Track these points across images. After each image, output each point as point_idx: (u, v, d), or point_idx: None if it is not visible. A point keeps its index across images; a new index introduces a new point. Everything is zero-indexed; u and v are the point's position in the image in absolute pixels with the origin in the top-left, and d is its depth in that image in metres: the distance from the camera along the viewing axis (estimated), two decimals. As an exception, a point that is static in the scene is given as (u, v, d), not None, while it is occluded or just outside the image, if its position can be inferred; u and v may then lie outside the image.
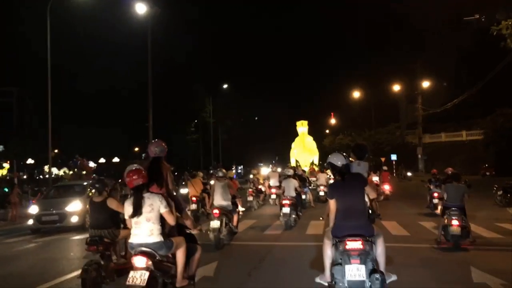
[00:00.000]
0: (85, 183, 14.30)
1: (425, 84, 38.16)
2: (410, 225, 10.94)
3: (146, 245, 4.20)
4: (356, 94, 49.65)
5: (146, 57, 23.99)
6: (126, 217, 4.34)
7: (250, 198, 16.04)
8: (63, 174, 56.96)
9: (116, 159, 63.37)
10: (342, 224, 4.35)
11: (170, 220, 4.36)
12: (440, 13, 39.27)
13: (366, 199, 4.80)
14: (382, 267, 4.35)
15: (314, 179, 21.34)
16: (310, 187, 17.86)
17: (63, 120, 57.66)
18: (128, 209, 4.28)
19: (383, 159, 40.29)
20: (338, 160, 4.55)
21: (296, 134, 44.06)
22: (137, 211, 4.19)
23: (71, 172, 46.06)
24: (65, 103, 55.19)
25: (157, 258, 4.21)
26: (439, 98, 38.65)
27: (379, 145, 44.08)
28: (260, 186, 18.50)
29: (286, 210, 10.63)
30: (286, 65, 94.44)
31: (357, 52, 75.71)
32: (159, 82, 35.63)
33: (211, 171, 25.37)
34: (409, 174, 35.50)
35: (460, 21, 31.48)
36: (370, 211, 5.37)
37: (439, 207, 10.24)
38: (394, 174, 39.40)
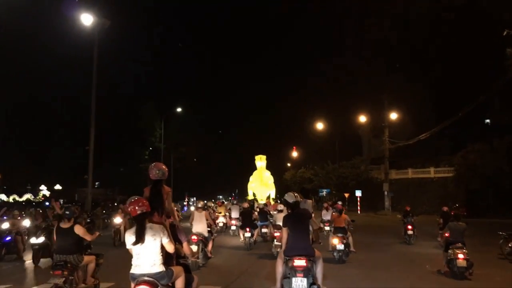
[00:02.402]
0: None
1: (393, 116, 35.48)
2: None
3: (149, 275, 4.22)
4: (320, 126, 47.02)
5: (90, 69, 22.37)
6: (128, 246, 4.29)
7: None
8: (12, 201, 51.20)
9: (57, 186, 57.38)
10: (292, 247, 5.65)
11: (170, 249, 4.41)
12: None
13: (310, 228, 6.38)
14: (320, 281, 5.68)
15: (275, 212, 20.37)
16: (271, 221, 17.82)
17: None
18: (130, 238, 4.26)
19: (346, 195, 37.31)
20: (290, 198, 5.98)
21: (255, 167, 44.81)
22: (139, 239, 4.18)
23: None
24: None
25: (159, 287, 4.24)
26: (405, 132, 36.24)
27: (343, 179, 40.85)
28: (221, 218, 19.83)
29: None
30: (247, 94, 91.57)
31: (320, 85, 73.98)
32: (103, 99, 31.11)
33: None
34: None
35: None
36: (312, 238, 7.24)
37: (439, 239, 12.59)
38: (359, 212, 36.26)
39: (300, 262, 5.45)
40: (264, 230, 15.60)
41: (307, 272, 5.45)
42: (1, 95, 48.36)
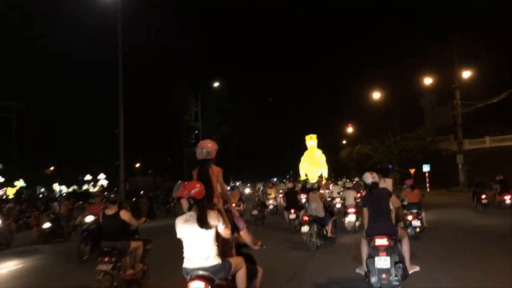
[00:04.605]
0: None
1: (465, 74, 29.96)
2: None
3: (203, 269, 3.80)
4: (376, 96, 42.13)
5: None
6: (180, 235, 3.89)
7: (254, 212, 15.85)
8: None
9: (101, 176, 57.48)
10: (372, 226, 5.68)
11: (226, 235, 3.97)
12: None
13: (391, 207, 6.07)
14: (407, 260, 5.64)
15: (327, 191, 20.02)
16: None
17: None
18: (181, 226, 3.85)
19: (412, 171, 32.61)
20: (367, 179, 6.04)
21: (306, 148, 44.41)
22: (204, 225, 3.77)
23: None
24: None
25: (216, 282, 3.83)
26: (477, 96, 30.79)
27: (407, 153, 35.96)
28: (271, 201, 19.23)
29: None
30: (297, 65, 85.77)
31: (375, 46, 67.78)
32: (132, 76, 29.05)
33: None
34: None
35: None
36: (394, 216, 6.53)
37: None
38: (428, 190, 31.57)
39: (381, 241, 5.47)
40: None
41: (391, 251, 5.42)
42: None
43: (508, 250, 8.66)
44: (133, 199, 21.99)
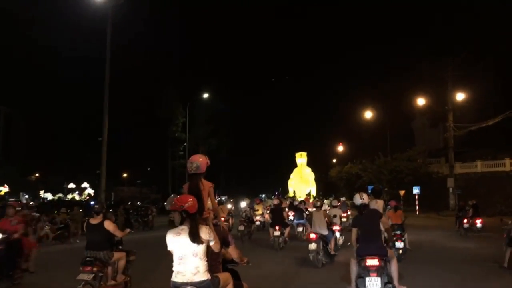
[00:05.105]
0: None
1: (459, 96, 29.63)
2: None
3: (192, 284, 3.81)
4: (368, 115, 41.77)
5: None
6: (170, 248, 3.89)
7: (241, 227, 15.67)
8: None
9: (85, 185, 56.06)
10: (363, 246, 5.75)
11: (216, 249, 4.05)
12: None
13: (382, 228, 6.15)
14: (395, 280, 5.76)
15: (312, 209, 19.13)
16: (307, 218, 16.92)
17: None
18: (172, 238, 3.85)
19: (402, 193, 31.99)
20: (356, 201, 6.17)
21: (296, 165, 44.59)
22: (196, 239, 3.76)
23: None
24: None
25: None
26: (469, 119, 30.44)
27: (397, 174, 35.35)
28: (258, 217, 18.74)
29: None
30: (289, 82, 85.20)
31: (367, 66, 67.84)
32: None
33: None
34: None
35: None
36: (385, 237, 6.68)
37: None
38: (417, 213, 30.94)
39: (372, 262, 5.53)
40: (299, 229, 15.01)
41: (381, 272, 5.52)
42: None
43: (491, 272, 8.96)
44: (110, 210, 21.17)
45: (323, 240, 9.95)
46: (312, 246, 9.59)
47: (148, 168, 53.12)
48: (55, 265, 10.38)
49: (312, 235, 9.86)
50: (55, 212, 19.40)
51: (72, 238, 15.93)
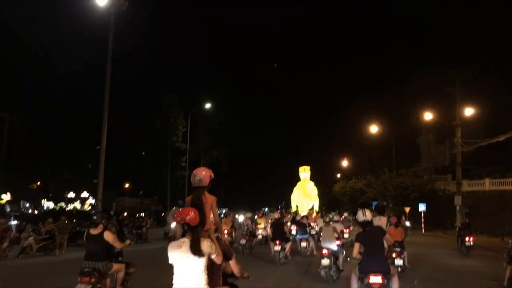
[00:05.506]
0: None
1: (468, 111, 28.89)
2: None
3: None
4: (373, 130, 41.11)
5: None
6: (171, 261, 3.83)
7: (243, 241, 15.65)
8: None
9: (84, 194, 55.50)
10: (367, 263, 5.74)
11: (218, 261, 4.04)
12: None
13: (385, 245, 6.11)
14: None
15: (315, 224, 19.89)
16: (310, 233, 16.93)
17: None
18: (174, 252, 3.80)
19: (407, 209, 31.19)
20: (359, 218, 6.09)
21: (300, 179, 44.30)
22: (197, 252, 3.75)
23: None
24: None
25: None
26: (477, 135, 29.70)
27: (403, 190, 34.53)
28: (260, 230, 18.78)
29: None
30: (295, 96, 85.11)
31: (373, 80, 67.43)
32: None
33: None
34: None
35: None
36: (387, 254, 6.44)
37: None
38: (423, 231, 30.07)
39: (376, 279, 5.53)
40: (303, 244, 14.82)
41: None
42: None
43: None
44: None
45: (334, 255, 9.96)
46: (325, 262, 9.59)
47: (142, 180, 52.53)
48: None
49: (325, 251, 9.86)
50: (39, 223, 18.72)
51: (58, 249, 15.25)
